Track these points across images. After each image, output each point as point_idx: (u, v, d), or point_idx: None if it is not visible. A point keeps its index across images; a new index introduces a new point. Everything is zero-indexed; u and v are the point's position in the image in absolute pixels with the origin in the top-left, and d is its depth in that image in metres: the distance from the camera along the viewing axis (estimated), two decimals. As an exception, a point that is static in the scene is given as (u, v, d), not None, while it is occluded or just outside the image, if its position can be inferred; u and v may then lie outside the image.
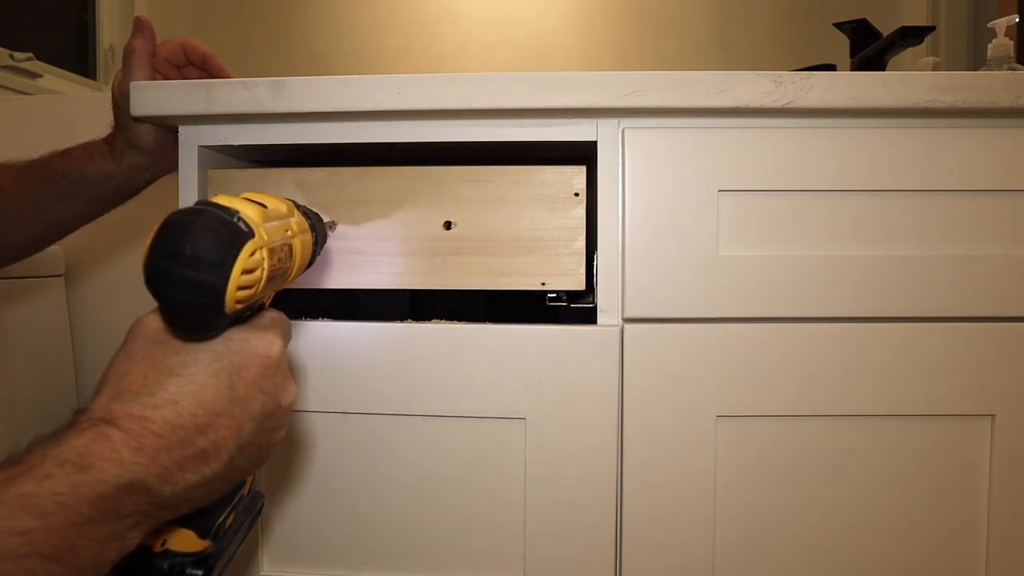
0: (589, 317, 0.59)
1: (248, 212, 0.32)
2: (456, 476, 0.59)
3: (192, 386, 0.31)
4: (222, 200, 0.32)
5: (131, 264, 1.13)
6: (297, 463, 0.60)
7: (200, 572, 0.34)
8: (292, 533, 0.61)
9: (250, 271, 0.31)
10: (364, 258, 0.60)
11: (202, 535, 0.35)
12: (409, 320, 0.59)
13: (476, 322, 0.59)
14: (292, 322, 0.39)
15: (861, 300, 0.57)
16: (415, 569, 0.60)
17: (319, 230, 0.42)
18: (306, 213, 0.41)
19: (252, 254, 0.31)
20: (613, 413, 0.57)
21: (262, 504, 0.41)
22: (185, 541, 0.34)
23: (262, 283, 0.32)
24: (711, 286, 0.57)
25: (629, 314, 0.57)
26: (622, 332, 0.57)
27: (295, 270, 0.38)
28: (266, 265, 0.32)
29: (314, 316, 0.60)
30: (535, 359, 0.57)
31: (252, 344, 0.34)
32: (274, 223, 0.34)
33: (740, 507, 0.58)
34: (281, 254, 0.34)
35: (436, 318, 0.61)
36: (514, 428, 0.58)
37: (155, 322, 0.33)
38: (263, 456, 0.35)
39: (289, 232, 0.36)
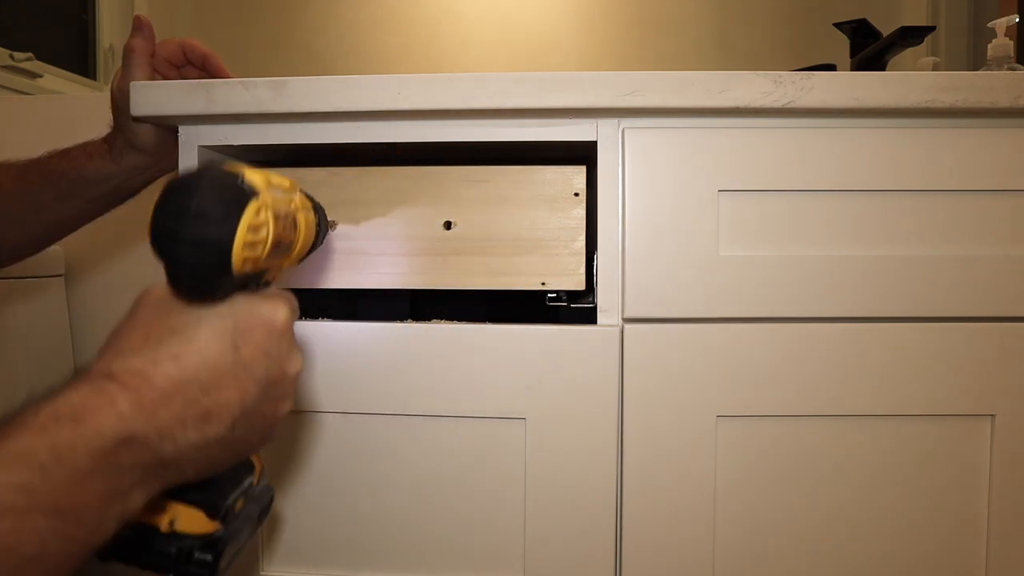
0: (589, 317, 0.59)
1: (252, 175, 0.32)
2: (456, 476, 0.59)
3: (195, 344, 0.31)
4: (226, 165, 0.32)
5: (131, 264, 1.13)
6: (297, 463, 0.60)
7: (209, 556, 0.33)
8: (292, 533, 0.61)
9: (255, 229, 0.30)
10: (364, 258, 0.60)
11: (211, 515, 0.34)
12: (409, 320, 0.59)
13: (476, 322, 0.59)
14: (292, 322, 0.39)
15: (861, 300, 0.57)
16: (415, 569, 0.60)
17: (321, 214, 0.42)
18: (308, 196, 0.41)
19: (257, 213, 0.30)
20: (613, 413, 0.57)
21: (272, 497, 0.40)
22: (193, 521, 0.33)
23: (267, 246, 0.32)
24: (711, 286, 0.57)
25: (629, 314, 0.57)
26: (622, 332, 0.57)
27: (299, 245, 0.37)
28: (271, 227, 0.32)
29: (314, 316, 0.60)
30: (535, 359, 0.57)
31: (257, 308, 0.33)
32: (278, 192, 0.34)
33: (740, 507, 0.58)
34: (286, 223, 0.34)
35: (436, 318, 0.61)
36: (514, 428, 0.58)
37: (161, 290, 0.33)
38: (268, 429, 0.35)
39: (293, 205, 0.36)
